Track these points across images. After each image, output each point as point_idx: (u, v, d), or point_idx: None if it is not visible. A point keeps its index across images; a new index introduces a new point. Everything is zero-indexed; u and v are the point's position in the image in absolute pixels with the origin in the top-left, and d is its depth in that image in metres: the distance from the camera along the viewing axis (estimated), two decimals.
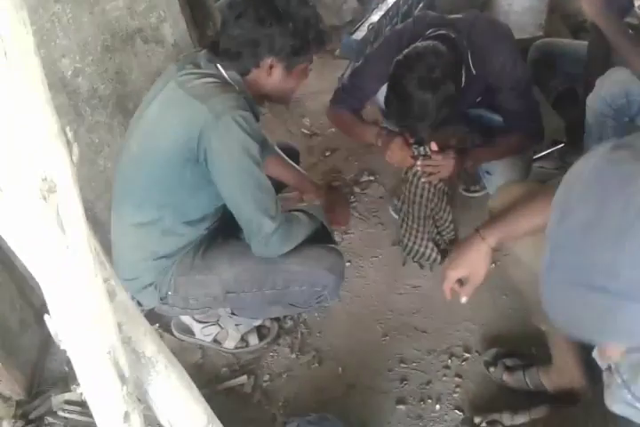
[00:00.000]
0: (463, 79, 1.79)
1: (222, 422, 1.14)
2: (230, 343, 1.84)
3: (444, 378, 1.78)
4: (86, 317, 0.74)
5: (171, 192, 1.50)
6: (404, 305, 1.99)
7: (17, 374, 1.70)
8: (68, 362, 0.83)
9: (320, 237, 1.68)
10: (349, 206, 2.22)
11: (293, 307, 1.69)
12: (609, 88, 1.97)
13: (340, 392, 1.75)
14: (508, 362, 1.72)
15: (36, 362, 1.79)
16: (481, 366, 1.78)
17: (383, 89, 1.84)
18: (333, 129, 2.64)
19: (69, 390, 1.70)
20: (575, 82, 2.36)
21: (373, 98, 2.06)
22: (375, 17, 2.82)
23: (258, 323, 1.87)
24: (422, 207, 2.06)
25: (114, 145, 1.91)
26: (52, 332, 0.76)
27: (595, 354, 1.05)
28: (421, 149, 1.89)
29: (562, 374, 1.58)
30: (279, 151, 1.91)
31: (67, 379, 1.76)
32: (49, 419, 1.70)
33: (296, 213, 1.64)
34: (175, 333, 1.88)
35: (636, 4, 2.00)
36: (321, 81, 2.95)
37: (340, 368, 1.82)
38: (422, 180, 1.95)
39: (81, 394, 0.85)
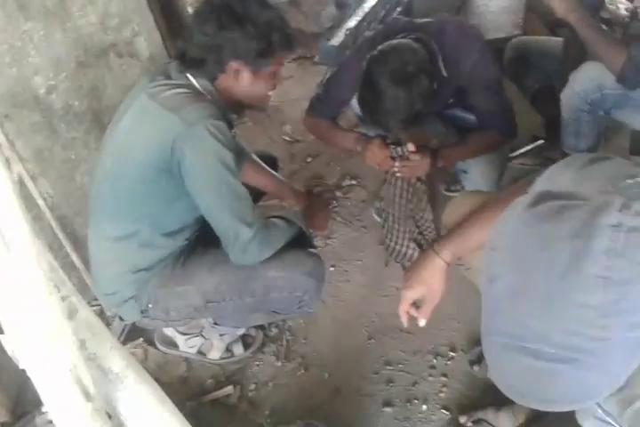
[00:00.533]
0: (436, 79, 1.80)
1: None
2: (215, 354, 1.84)
3: (430, 378, 1.79)
4: (42, 336, 0.74)
5: (147, 204, 1.50)
6: (388, 307, 1.99)
7: (1, 396, 1.69)
8: None
9: (300, 243, 1.69)
10: (329, 211, 2.22)
11: (276, 314, 1.69)
12: (583, 83, 1.99)
13: (327, 398, 1.75)
14: None
15: (19, 383, 1.79)
16: (467, 365, 1.79)
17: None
18: None
19: None
20: (552, 79, 2.38)
21: (349, 104, 2.07)
22: (352, 22, 2.83)
23: (242, 332, 1.86)
24: (402, 208, 2.07)
25: (91, 161, 1.92)
26: (9, 351, 0.76)
27: None
28: (399, 149, 1.90)
29: None
30: (257, 159, 1.92)
31: None
32: None
33: (274, 219, 1.64)
34: (159, 346, 1.88)
35: None
36: (301, 87, 2.97)
37: (327, 374, 1.82)
38: (397, 174, 1.97)
39: None
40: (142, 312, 1.61)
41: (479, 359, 1.76)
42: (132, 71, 2.13)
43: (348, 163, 2.59)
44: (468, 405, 1.69)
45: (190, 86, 1.47)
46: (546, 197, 0.75)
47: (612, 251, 0.65)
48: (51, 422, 1.70)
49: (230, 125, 1.48)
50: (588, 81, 1.96)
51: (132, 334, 1.93)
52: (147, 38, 2.22)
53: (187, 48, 1.47)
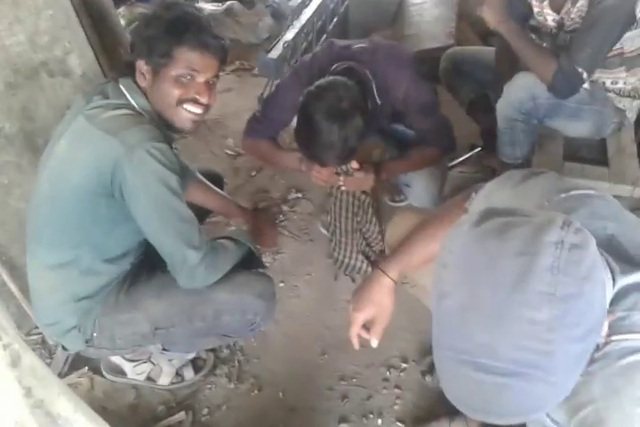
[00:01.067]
0: (370, 108, 1.83)
1: None
2: (165, 380, 1.79)
3: (384, 391, 1.80)
4: None
5: (86, 230, 1.45)
6: (339, 321, 1.99)
7: None
8: None
9: (249, 262, 1.67)
10: (276, 228, 2.22)
11: (227, 337, 1.67)
12: (516, 93, 2.05)
13: (283, 418, 1.73)
14: None
15: None
16: (419, 376, 1.81)
17: None
18: None
19: None
20: (486, 88, 2.46)
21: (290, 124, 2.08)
22: (290, 34, 2.83)
23: (192, 356, 1.83)
24: (349, 221, 2.11)
25: (25, 185, 1.84)
26: None
27: None
28: (343, 166, 1.93)
29: None
30: (201, 178, 1.89)
31: None
32: None
33: (221, 240, 1.61)
34: (106, 374, 1.81)
35: (535, 10, 2.09)
36: (241, 99, 2.96)
37: (281, 393, 1.80)
38: (342, 188, 2.00)
39: None
40: (87, 342, 1.55)
41: (430, 369, 1.79)
42: (65, 90, 2.06)
43: (293, 176, 2.59)
44: (421, 416, 1.71)
45: (129, 106, 1.43)
46: (491, 214, 0.77)
47: (555, 268, 0.68)
48: None
49: (171, 145, 1.45)
50: (522, 91, 2.03)
51: (76, 363, 1.86)
52: (79, 55, 2.14)
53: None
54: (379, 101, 1.88)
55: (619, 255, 0.87)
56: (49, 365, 1.84)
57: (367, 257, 2.16)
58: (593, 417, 0.82)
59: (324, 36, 3.25)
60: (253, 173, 2.66)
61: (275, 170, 2.64)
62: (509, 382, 0.68)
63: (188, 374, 1.81)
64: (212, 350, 1.89)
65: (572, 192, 1.00)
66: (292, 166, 2.04)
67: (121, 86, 1.45)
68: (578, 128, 2.12)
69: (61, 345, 1.61)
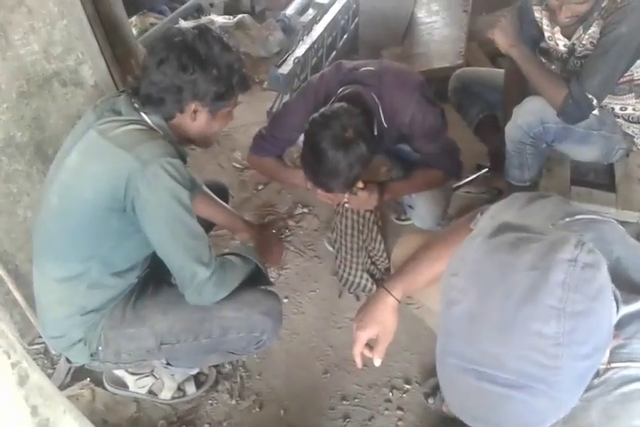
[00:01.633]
0: (376, 133, 1.84)
1: None
2: (166, 394, 1.78)
3: (386, 412, 1.79)
4: None
5: (95, 244, 1.45)
6: (343, 339, 1.99)
7: None
8: None
9: (255, 279, 1.67)
10: (282, 244, 2.21)
11: (232, 354, 1.66)
12: (525, 117, 2.05)
13: None
14: None
15: None
16: (421, 397, 1.80)
17: None
18: None
19: None
20: (495, 109, 2.47)
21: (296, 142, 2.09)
22: (300, 50, 2.85)
23: (195, 371, 1.82)
24: (354, 239, 2.11)
25: (34, 193, 1.84)
26: None
27: None
28: None
29: None
30: (208, 191, 1.89)
31: None
32: None
33: (229, 256, 1.61)
34: (107, 386, 1.81)
35: (546, 35, 2.11)
36: (250, 113, 2.96)
37: (282, 411, 1.79)
38: (346, 205, 2.00)
39: None
40: (92, 355, 1.54)
41: (434, 391, 1.78)
42: (77, 100, 2.06)
43: (299, 191, 2.59)
44: None
45: (142, 122, 1.43)
46: (506, 228, 0.78)
47: (566, 284, 0.68)
48: None
49: (184, 160, 1.46)
50: (531, 115, 2.03)
51: (78, 374, 1.85)
52: (91, 66, 2.16)
53: (142, 86, 1.43)
54: (385, 125, 1.89)
55: (623, 281, 0.87)
56: (51, 375, 1.84)
57: (372, 275, 2.16)
58: None
59: (334, 52, 3.27)
60: (260, 187, 2.67)
61: (281, 185, 2.64)
62: (512, 393, 0.69)
63: (190, 389, 1.81)
64: (215, 365, 1.88)
65: (577, 216, 1.01)
66: (297, 184, 2.04)
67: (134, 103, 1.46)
68: (586, 153, 2.13)
69: (66, 358, 1.60)
